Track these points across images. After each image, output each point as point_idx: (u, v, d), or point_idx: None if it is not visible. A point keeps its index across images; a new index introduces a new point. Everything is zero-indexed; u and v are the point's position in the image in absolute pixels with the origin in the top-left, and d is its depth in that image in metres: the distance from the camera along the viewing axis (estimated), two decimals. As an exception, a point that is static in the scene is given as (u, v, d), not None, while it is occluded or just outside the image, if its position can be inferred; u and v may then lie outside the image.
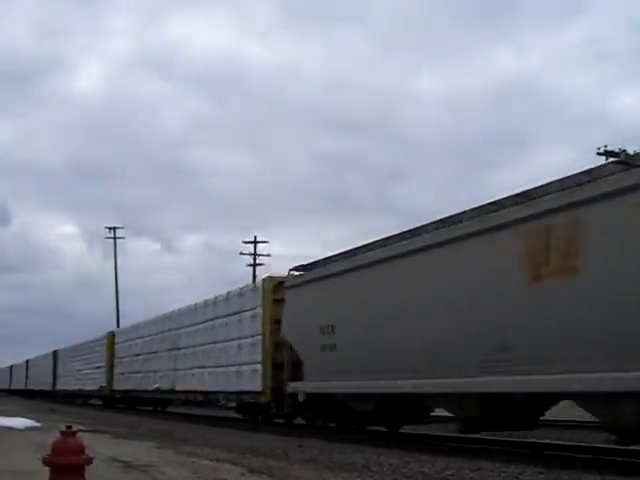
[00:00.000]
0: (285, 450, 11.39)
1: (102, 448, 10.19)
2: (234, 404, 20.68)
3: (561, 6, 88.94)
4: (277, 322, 16.04)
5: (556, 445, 11.57)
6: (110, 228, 57.26)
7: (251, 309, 17.57)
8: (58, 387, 44.50)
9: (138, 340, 28.42)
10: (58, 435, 4.61)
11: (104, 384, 32.37)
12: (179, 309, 24.36)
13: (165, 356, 24.52)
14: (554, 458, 9.74)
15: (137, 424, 19.16)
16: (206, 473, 8.15)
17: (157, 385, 24.94)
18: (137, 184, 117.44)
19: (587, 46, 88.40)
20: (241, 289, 18.79)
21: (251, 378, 17.17)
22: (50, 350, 49.74)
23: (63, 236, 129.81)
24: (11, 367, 70.38)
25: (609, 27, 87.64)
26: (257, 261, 46.49)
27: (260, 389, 16.67)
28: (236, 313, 18.57)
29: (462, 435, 12.00)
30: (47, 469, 4.58)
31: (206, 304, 21.29)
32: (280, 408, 16.36)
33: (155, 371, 25.50)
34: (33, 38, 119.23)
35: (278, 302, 16.33)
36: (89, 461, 4.64)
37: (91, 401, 38.64)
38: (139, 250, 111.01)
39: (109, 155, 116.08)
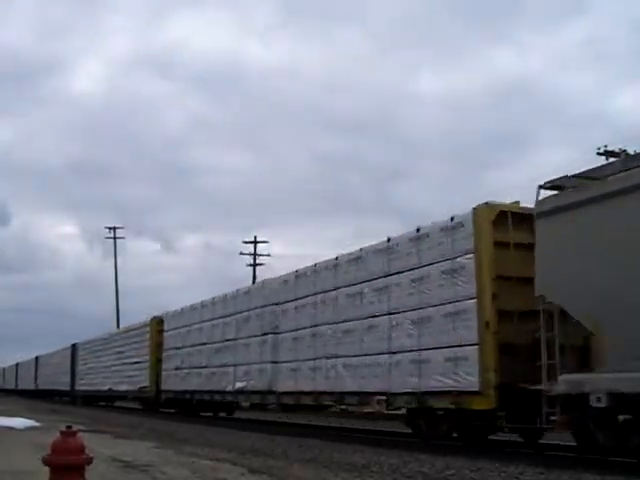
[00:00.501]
0: (285, 450, 11.41)
1: (102, 448, 10.19)
2: (401, 411, 14.17)
3: (561, 6, 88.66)
4: (500, 278, 10.78)
5: (556, 445, 11.56)
6: (110, 228, 57.10)
7: (444, 260, 11.67)
8: (78, 387, 38.37)
9: (203, 324, 22.16)
10: (58, 435, 4.60)
11: (147, 384, 26.29)
12: (274, 278, 18.13)
13: (253, 344, 18.42)
14: (554, 458, 9.76)
15: (137, 424, 19.15)
16: (206, 473, 8.16)
17: (242, 384, 18.89)
18: (137, 184, 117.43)
19: (587, 46, 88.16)
20: (419, 229, 12.54)
21: (449, 370, 11.29)
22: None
23: (63, 236, 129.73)
24: (17, 365, 64.83)
25: (609, 27, 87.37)
26: (257, 261, 46.31)
27: (475, 387, 10.73)
28: (409, 270, 12.52)
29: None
30: (47, 469, 4.57)
31: (329, 265, 15.27)
32: (515, 419, 10.47)
33: (235, 365, 19.38)
34: (33, 38, 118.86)
35: (501, 246, 10.95)
36: (89, 461, 4.63)
37: (117, 404, 33.77)
38: (139, 250, 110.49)
39: (109, 155, 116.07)
